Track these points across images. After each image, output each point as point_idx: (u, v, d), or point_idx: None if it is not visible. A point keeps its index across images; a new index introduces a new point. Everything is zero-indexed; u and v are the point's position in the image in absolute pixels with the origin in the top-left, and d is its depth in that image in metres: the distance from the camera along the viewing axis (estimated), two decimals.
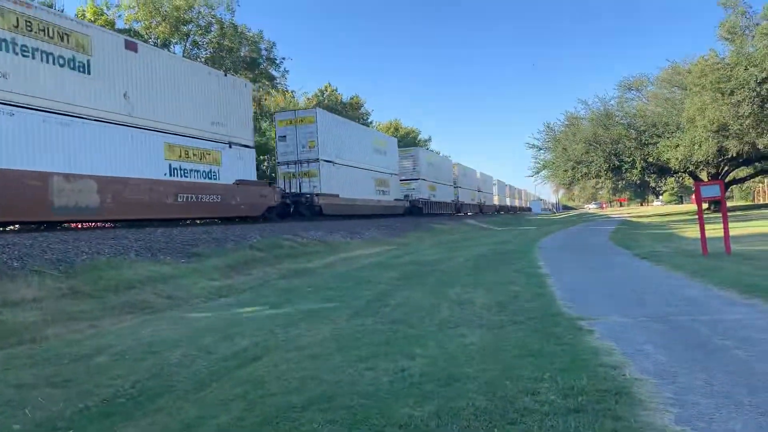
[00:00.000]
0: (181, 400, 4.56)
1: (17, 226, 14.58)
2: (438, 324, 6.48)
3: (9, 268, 9.55)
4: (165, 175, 17.57)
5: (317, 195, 27.36)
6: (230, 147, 20.90)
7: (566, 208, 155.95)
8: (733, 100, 30.85)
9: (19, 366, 5.86)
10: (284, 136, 28.45)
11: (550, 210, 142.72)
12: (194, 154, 19.01)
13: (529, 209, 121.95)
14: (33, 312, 8.26)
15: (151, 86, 17.49)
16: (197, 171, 19.06)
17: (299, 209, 26.56)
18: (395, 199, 39.24)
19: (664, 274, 9.57)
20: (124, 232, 13.98)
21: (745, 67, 30.61)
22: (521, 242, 19.82)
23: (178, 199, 17.79)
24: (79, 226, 17.88)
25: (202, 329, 7.37)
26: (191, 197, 18.37)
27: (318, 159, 27.90)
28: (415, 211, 42.15)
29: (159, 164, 17.42)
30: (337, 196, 29.45)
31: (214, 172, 19.85)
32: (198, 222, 20.62)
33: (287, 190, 26.49)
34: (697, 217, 12.20)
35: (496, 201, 79.75)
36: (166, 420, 4.14)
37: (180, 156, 18.35)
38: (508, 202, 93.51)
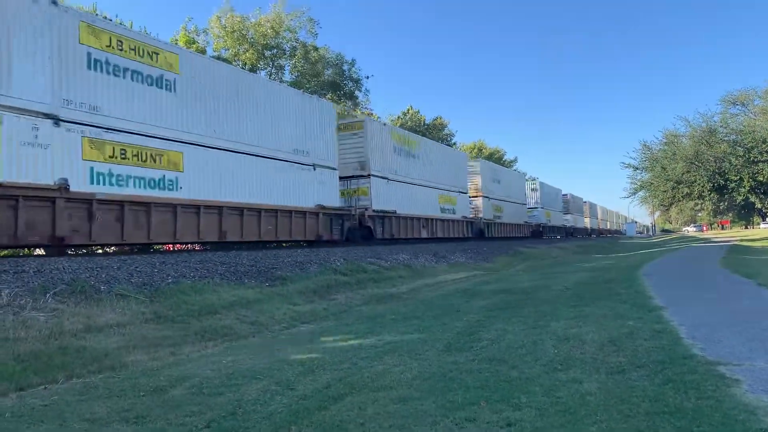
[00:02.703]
0: None
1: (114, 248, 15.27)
2: (544, 365, 5.66)
3: (96, 291, 9.53)
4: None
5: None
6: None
7: (663, 231, 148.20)
8: None
9: (94, 397, 5.60)
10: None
11: (646, 233, 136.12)
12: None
13: (623, 232, 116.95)
14: (115, 338, 8.12)
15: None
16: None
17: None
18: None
19: None
20: (210, 256, 13.94)
21: None
22: (622, 269, 18.38)
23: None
24: (171, 247, 18.24)
25: (283, 360, 6.93)
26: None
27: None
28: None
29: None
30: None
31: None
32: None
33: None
34: None
35: (587, 223, 78.17)
36: None
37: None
38: (600, 224, 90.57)
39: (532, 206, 51.63)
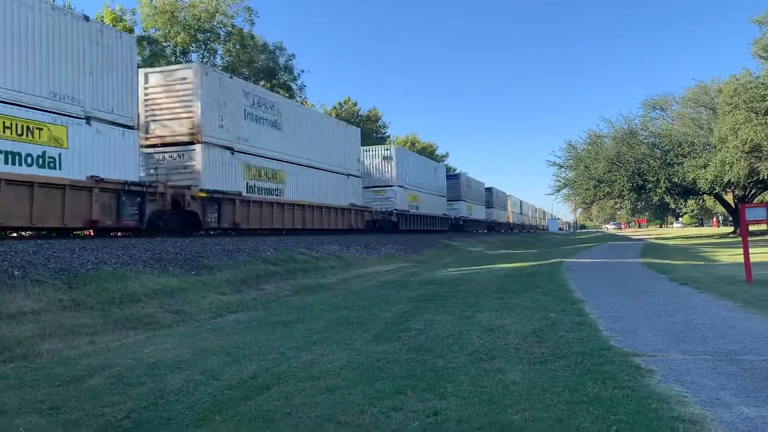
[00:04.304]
0: None
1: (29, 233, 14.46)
2: (469, 355, 5.77)
3: (9, 276, 9.04)
4: None
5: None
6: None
7: (584, 228, 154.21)
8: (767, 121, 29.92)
9: (4, 388, 5.31)
10: None
11: (567, 229, 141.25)
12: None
13: (546, 228, 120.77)
14: (29, 325, 7.72)
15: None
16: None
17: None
18: None
19: (713, 303, 8.76)
20: (134, 242, 13.45)
21: None
22: (545, 263, 18.99)
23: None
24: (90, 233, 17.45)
25: (207, 349, 6.78)
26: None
27: None
28: None
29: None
30: None
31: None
32: (212, 233, 20.37)
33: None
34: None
35: (510, 218, 78.67)
36: None
37: None
38: (524, 220, 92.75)
39: (389, 183, 33.51)
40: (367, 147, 34.41)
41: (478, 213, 57.15)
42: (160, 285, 10.81)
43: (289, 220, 23.40)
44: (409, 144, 72.42)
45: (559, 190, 47.84)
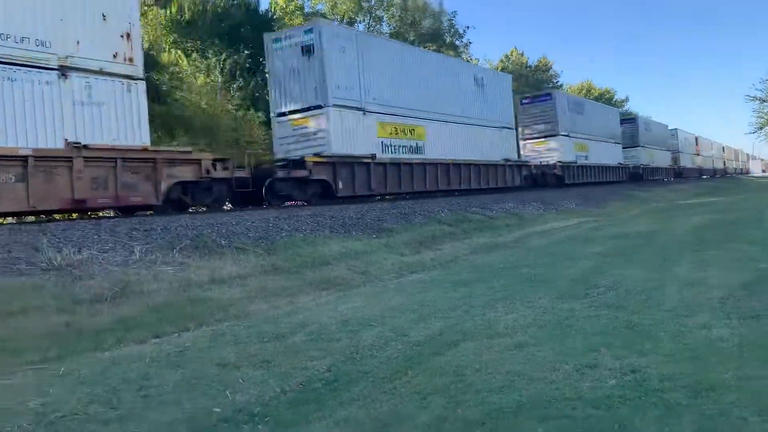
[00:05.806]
0: (377, 389, 4.20)
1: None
2: (668, 311, 5.40)
3: (218, 246, 10.09)
4: None
5: None
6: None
7: None
8: None
9: (223, 344, 5.94)
10: None
11: None
12: None
13: (747, 171, 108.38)
14: (237, 289, 8.58)
15: None
16: None
17: None
18: None
19: None
20: (320, 210, 14.35)
21: None
22: (748, 209, 17.10)
23: None
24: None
25: (394, 307, 7.06)
26: None
27: None
28: None
29: None
30: None
31: None
32: (388, 198, 21.06)
33: None
34: None
35: (701, 162, 70.34)
36: (361, 414, 3.78)
37: None
38: (720, 164, 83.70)
39: (311, 104, 16.71)
40: (275, 34, 18.48)
41: (608, 154, 38.17)
42: (345, 248, 11.44)
43: None
44: (584, 91, 68.39)
45: (761, 128, 42.68)
